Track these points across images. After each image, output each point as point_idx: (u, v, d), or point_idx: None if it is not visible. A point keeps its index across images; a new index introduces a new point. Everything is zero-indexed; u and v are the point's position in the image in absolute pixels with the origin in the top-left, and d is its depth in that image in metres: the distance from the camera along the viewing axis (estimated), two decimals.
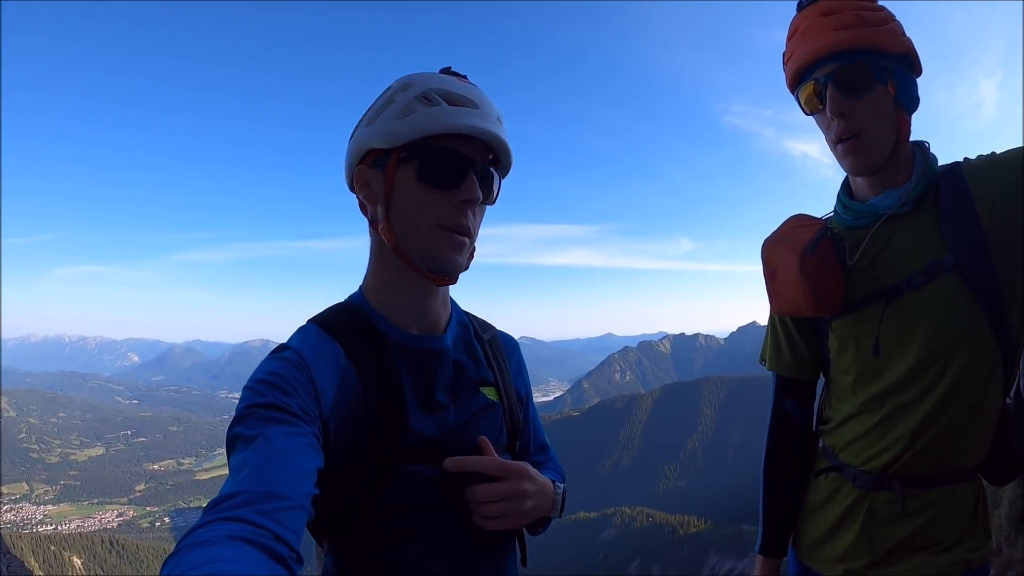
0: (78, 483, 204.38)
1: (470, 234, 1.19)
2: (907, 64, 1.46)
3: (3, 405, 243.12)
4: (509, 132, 1.18)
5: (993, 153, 1.48)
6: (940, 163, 1.54)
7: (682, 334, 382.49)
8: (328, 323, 1.20)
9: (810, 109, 1.54)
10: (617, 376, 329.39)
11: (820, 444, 1.76)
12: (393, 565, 1.16)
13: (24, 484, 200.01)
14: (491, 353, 1.38)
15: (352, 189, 1.26)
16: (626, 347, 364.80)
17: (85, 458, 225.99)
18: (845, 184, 1.64)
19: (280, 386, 1.03)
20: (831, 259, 1.55)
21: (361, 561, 1.17)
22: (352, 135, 1.23)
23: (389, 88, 1.20)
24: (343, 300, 1.29)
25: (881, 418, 1.53)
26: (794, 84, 1.55)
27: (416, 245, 1.17)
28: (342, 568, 1.19)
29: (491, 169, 1.22)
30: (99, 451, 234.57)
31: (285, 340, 1.18)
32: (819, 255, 1.53)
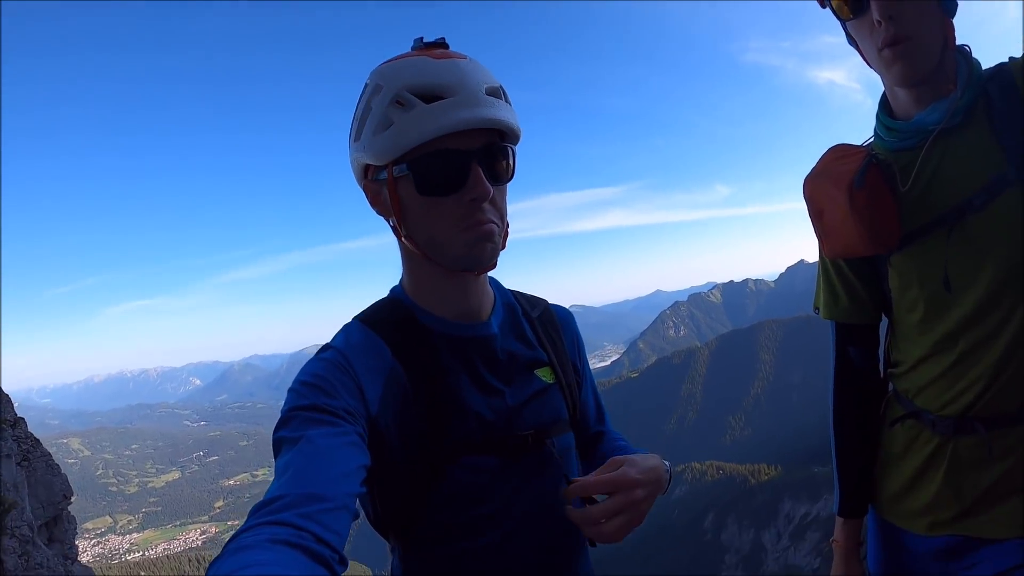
0: (159, 508, 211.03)
1: (495, 222, 1.12)
2: None
3: (77, 446, 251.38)
4: (524, 104, 1.22)
5: None
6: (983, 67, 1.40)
7: (731, 282, 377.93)
8: (372, 319, 1.19)
9: (844, 16, 1.40)
10: (671, 332, 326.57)
11: (891, 389, 1.63)
12: (458, 557, 1.15)
13: (108, 517, 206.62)
14: (542, 331, 1.34)
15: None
16: (676, 302, 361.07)
17: (163, 484, 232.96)
18: (883, 103, 1.50)
19: (322, 387, 1.03)
20: (882, 189, 1.40)
21: (426, 555, 1.17)
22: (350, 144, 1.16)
23: (364, 88, 1.12)
24: (385, 296, 1.27)
25: (957, 357, 1.40)
26: None
27: (443, 252, 1.12)
28: (408, 563, 1.19)
29: (498, 147, 1.11)
30: (175, 475, 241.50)
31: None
32: (869, 186, 1.38)
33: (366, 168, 1.14)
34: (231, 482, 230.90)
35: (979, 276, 1.35)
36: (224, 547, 0.77)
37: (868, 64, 1.42)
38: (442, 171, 1.07)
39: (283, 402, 1.06)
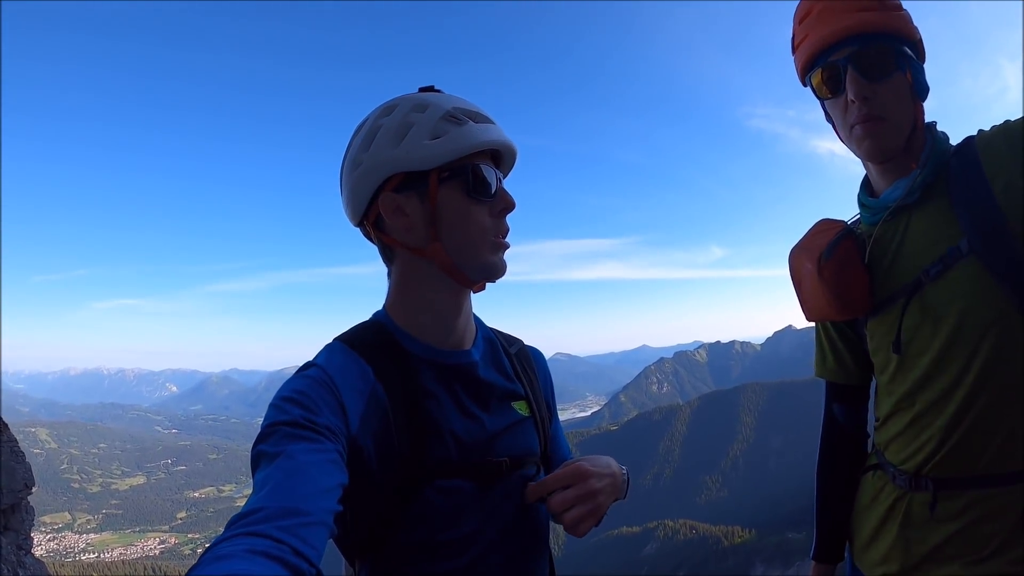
0: (120, 512, 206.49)
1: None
2: (917, 52, 1.44)
3: (44, 437, 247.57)
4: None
5: (1007, 122, 1.39)
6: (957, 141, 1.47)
7: (717, 342, 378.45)
8: (353, 341, 1.21)
9: (823, 95, 1.50)
10: (654, 388, 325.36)
11: (872, 442, 1.71)
12: None
13: (67, 514, 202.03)
14: (519, 366, 1.39)
15: (362, 223, 1.27)
16: (662, 358, 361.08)
17: (126, 487, 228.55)
18: (864, 181, 1.62)
19: (304, 403, 1.04)
20: (852, 261, 1.52)
21: None
22: (352, 169, 1.22)
23: (391, 111, 1.21)
24: (367, 319, 1.30)
25: (913, 416, 1.48)
26: (807, 68, 1.50)
27: (475, 259, 1.21)
28: None
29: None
30: (140, 480, 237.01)
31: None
32: (836, 259, 1.51)
33: (387, 181, 1.20)
34: (196, 494, 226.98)
35: (932, 343, 1.42)
36: (201, 556, 0.77)
37: (842, 140, 1.52)
38: (486, 179, 1.20)
39: (258, 419, 1.09)
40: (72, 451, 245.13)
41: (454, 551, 1.17)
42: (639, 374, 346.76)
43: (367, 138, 1.21)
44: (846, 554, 1.79)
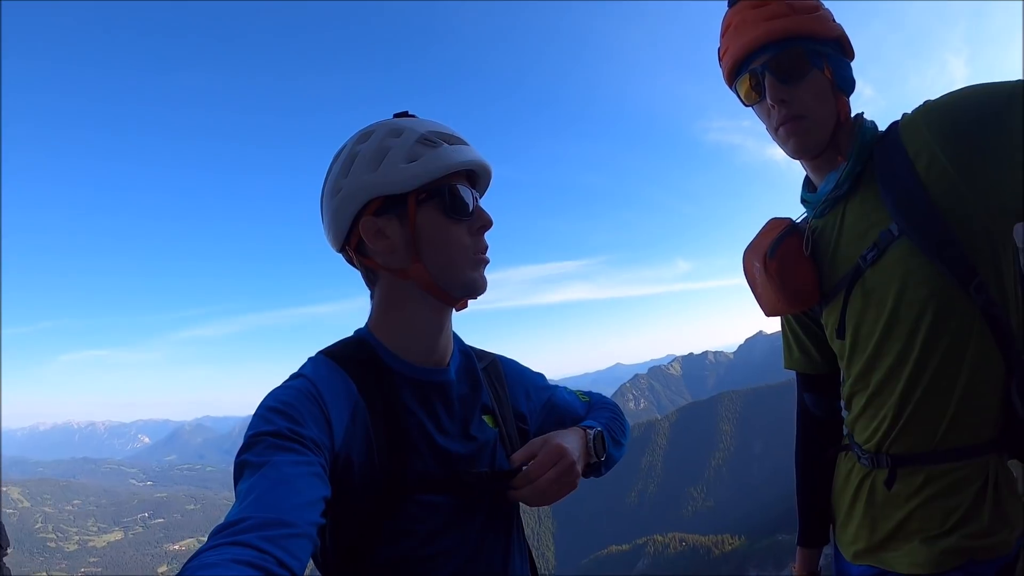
0: (99, 570, 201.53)
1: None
2: (840, 49, 1.49)
3: (16, 496, 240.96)
4: (495, 177, 1.33)
5: (927, 101, 1.42)
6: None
7: (690, 354, 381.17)
8: (337, 355, 1.23)
9: (749, 101, 1.56)
10: (631, 404, 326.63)
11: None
12: None
13: (44, 574, 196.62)
14: (486, 381, 1.41)
15: (344, 248, 1.30)
16: (636, 375, 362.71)
17: (104, 544, 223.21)
18: (805, 181, 1.67)
19: (289, 414, 1.05)
20: (796, 256, 1.60)
21: None
22: (332, 195, 1.25)
23: (367, 137, 1.24)
24: (350, 336, 1.32)
25: (868, 396, 1.54)
26: (731, 78, 1.57)
27: (456, 277, 1.24)
28: None
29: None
30: (118, 535, 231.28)
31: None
32: (779, 256, 1.58)
33: (366, 206, 1.22)
34: (176, 547, 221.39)
35: (875, 325, 1.49)
36: (185, 565, 0.76)
37: (774, 139, 1.56)
38: (464, 199, 1.23)
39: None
40: (46, 509, 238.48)
41: (433, 566, 1.18)
42: (615, 392, 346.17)
43: (345, 165, 1.23)
44: (831, 537, 1.82)
